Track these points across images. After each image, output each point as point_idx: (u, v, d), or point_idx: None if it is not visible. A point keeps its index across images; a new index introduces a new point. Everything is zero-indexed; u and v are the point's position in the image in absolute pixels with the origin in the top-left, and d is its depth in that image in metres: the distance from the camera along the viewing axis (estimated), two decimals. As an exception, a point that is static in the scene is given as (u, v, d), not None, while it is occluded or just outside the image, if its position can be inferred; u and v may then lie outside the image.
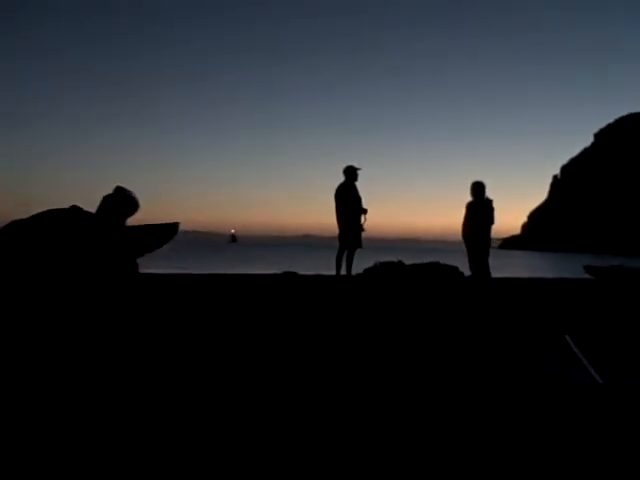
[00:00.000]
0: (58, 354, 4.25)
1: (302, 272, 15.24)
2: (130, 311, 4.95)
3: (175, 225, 5.11)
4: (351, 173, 12.17)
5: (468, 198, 12.09)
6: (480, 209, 11.97)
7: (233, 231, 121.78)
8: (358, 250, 12.36)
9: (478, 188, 12.01)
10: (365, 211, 12.20)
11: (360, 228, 12.23)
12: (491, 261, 12.37)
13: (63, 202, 4.67)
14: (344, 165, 12.25)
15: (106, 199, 4.99)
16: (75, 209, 4.73)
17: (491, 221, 12.05)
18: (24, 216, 4.69)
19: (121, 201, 5.00)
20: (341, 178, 12.23)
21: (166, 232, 5.11)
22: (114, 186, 4.98)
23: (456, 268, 12.28)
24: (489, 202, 12.04)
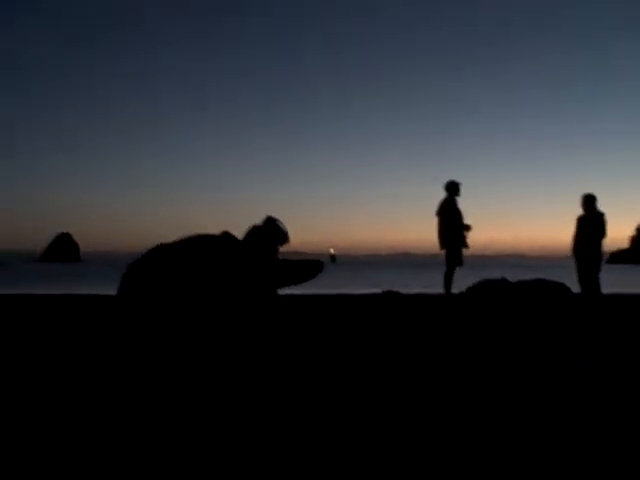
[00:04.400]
0: (202, 375, 4.39)
1: (404, 291, 15.24)
2: (269, 336, 4.98)
3: (320, 264, 5.09)
4: (454, 188, 12.01)
5: (574, 211, 11.79)
6: (591, 222, 11.65)
7: (332, 251, 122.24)
8: (460, 267, 12.19)
9: (589, 201, 11.69)
10: (468, 228, 11.99)
11: (462, 245, 12.03)
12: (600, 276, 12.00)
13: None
14: (445, 180, 12.08)
15: (256, 230, 4.93)
16: (227, 237, 4.72)
17: (602, 234, 11.67)
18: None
19: (272, 232, 4.94)
20: (442, 194, 12.07)
21: (311, 270, 5.09)
22: (264, 216, 4.96)
23: (563, 285, 12.00)
24: (600, 215, 11.70)
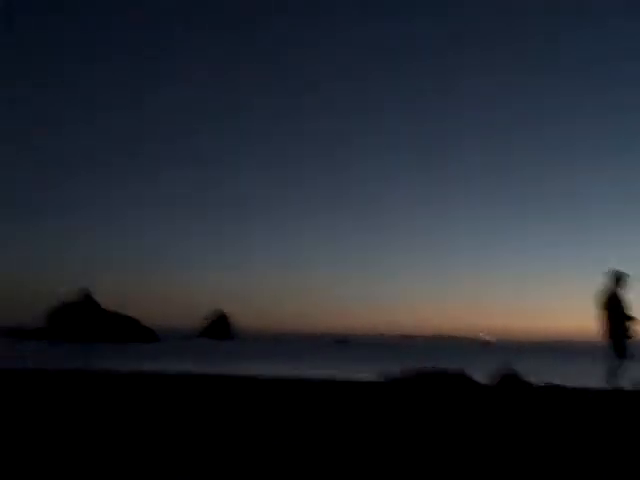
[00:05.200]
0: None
1: (564, 384, 14.40)
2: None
3: None
4: (619, 280, 11.32)
5: None
6: None
7: (484, 336, 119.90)
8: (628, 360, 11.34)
9: None
10: (634, 320, 11.19)
11: (626, 336, 11.20)
12: None
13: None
14: (610, 268, 11.40)
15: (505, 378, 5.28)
16: (463, 378, 5.11)
17: None
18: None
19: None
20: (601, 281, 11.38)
21: None
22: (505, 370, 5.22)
23: None
24: None
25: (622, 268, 11.41)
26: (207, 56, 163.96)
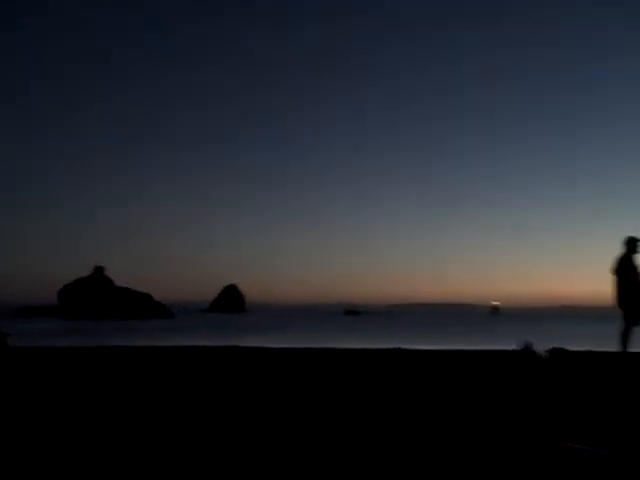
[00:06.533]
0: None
1: (571, 347, 14.50)
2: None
3: None
4: (632, 244, 11.27)
5: None
6: None
7: (496, 303, 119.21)
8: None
9: None
10: None
11: (638, 303, 11.19)
12: None
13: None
14: (624, 235, 11.38)
15: None
16: None
17: None
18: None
19: None
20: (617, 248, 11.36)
21: None
22: None
23: None
24: None
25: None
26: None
